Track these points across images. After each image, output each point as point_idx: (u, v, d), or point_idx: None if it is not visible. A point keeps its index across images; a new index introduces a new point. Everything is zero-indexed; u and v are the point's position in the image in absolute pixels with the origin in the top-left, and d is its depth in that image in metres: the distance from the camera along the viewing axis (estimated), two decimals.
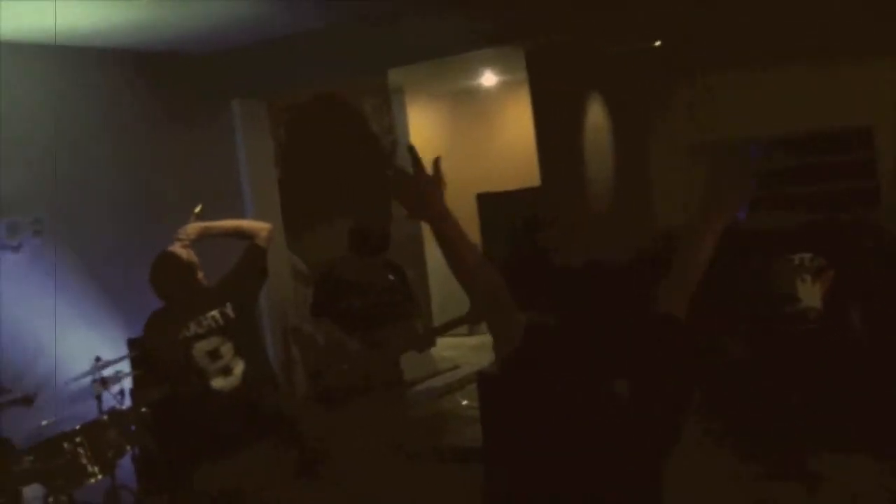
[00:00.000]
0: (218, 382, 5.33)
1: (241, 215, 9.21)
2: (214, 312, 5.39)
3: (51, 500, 5.87)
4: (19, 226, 7.45)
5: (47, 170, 7.63)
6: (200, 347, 5.33)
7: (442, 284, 11.79)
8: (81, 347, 6.46)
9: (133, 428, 6.46)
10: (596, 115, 10.64)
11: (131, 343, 7.68)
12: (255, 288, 5.71)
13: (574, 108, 10.15)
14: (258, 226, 5.87)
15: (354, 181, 10.17)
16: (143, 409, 6.64)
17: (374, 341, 6.45)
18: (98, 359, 6.60)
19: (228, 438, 5.31)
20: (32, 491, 6.04)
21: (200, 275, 5.62)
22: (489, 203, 11.32)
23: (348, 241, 6.57)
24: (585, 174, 10.00)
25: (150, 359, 5.76)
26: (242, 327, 5.44)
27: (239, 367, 5.33)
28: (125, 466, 6.77)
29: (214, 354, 5.33)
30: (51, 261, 7.57)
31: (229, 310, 5.42)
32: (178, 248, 5.64)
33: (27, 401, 6.33)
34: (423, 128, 12.80)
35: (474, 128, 13.13)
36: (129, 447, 6.44)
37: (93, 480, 6.12)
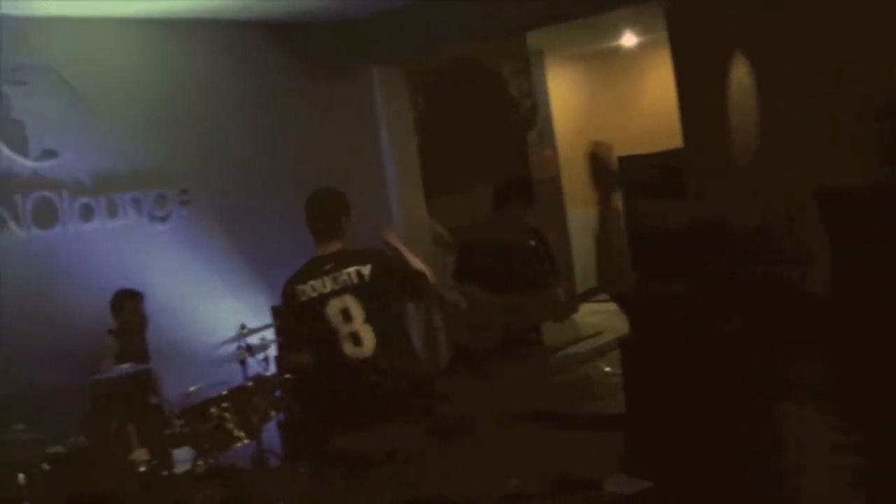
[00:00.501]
0: (349, 348, 5.28)
1: (382, 182, 9.28)
2: (351, 269, 5.38)
3: (199, 462, 6.03)
4: (167, 197, 7.67)
5: (193, 142, 7.84)
6: (334, 305, 5.23)
7: (584, 249, 11.67)
8: (227, 315, 6.61)
9: (278, 394, 6.59)
10: (739, 74, 10.32)
11: (275, 311, 7.83)
12: (399, 289, 5.59)
13: (716, 66, 9.86)
14: (428, 274, 5.74)
15: (494, 146, 10.12)
16: (288, 376, 6.76)
17: (517, 307, 6.38)
18: (243, 326, 6.74)
19: (364, 406, 5.35)
20: (182, 454, 6.22)
21: (347, 237, 5.56)
22: (630, 166, 11.10)
23: (492, 202, 6.43)
24: (729, 135, 9.72)
25: (286, 320, 5.77)
26: (377, 293, 5.39)
27: (370, 337, 5.30)
28: (270, 431, 6.92)
29: (346, 314, 5.25)
30: (197, 231, 7.79)
31: (367, 271, 5.40)
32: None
33: None
34: (563, 90, 12.65)
35: (614, 89, 12.91)
36: (273, 413, 6.56)
37: (239, 445, 6.27)
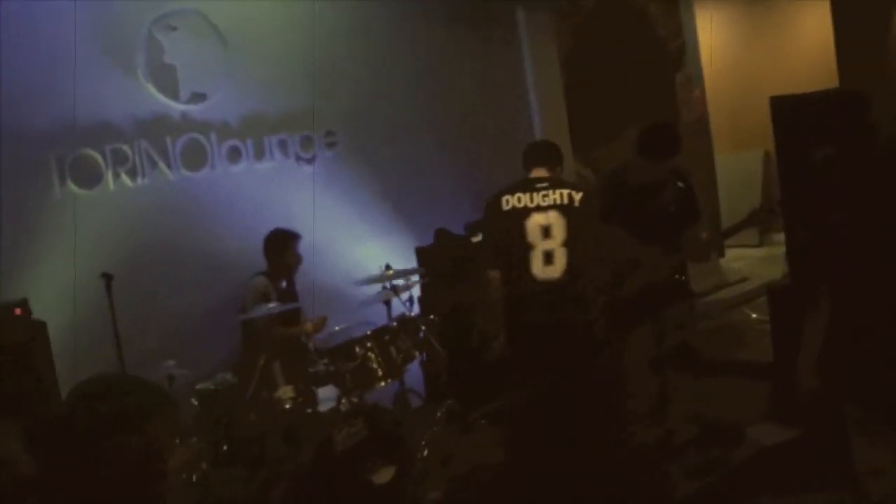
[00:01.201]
0: (538, 267, 5.37)
1: (528, 123, 9.19)
2: (564, 191, 5.41)
3: (343, 401, 6.09)
4: (313, 139, 7.74)
5: (340, 85, 7.87)
6: (536, 219, 5.38)
7: (731, 191, 11.38)
8: (372, 256, 6.64)
9: (422, 335, 6.59)
10: None
11: (420, 252, 7.86)
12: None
13: (875, 5, 9.44)
14: None
15: (641, 87, 9.91)
16: (432, 317, 6.77)
17: (662, 248, 6.23)
18: (388, 266, 6.75)
19: (536, 333, 5.38)
20: (326, 392, 6.29)
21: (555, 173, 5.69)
22: (783, 106, 10.71)
23: (637, 144, 6.30)
24: (888, 76, 9.30)
25: (485, 232, 5.79)
26: (583, 219, 5.37)
27: (562, 260, 5.32)
28: (414, 372, 6.96)
29: (547, 231, 5.37)
30: (343, 173, 7.84)
31: (579, 197, 5.41)
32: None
33: None
34: (715, 29, 12.25)
35: (762, 29, 12.46)
36: (417, 353, 6.57)
37: (382, 384, 6.29)
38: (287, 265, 6.82)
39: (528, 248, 5.40)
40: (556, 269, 5.37)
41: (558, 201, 5.41)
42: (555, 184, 5.54)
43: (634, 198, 6.16)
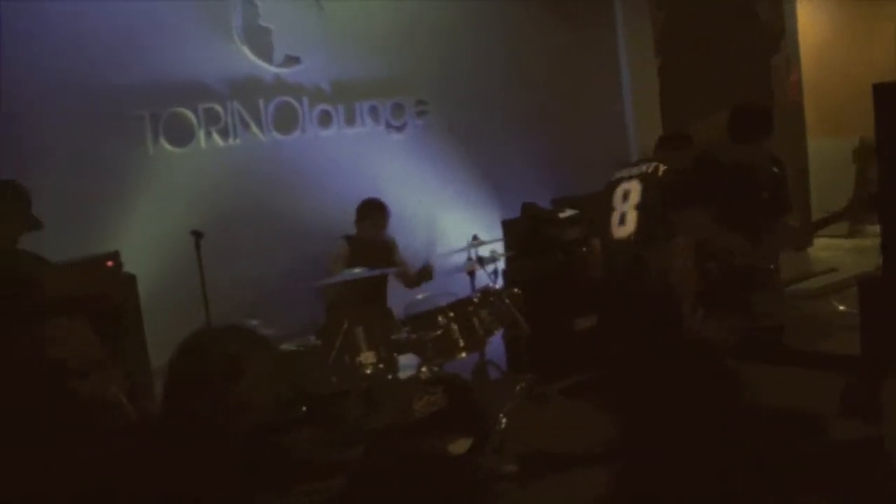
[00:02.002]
0: (615, 228, 5.51)
1: (619, 101, 9.09)
2: (652, 163, 5.56)
3: (423, 369, 6.08)
4: (404, 107, 7.73)
5: (432, 53, 7.86)
6: (622, 187, 5.56)
7: (823, 178, 11.15)
8: (458, 226, 6.62)
9: (505, 307, 6.55)
10: None
11: (506, 224, 7.82)
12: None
13: None
14: None
15: (736, 68, 9.74)
16: (516, 290, 6.73)
17: (749, 235, 6.14)
18: (475, 237, 6.71)
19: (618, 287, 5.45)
20: (407, 360, 6.30)
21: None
22: (887, 93, 10.42)
23: (729, 124, 6.21)
24: None
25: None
26: (659, 186, 5.43)
27: (633, 220, 5.40)
28: (495, 344, 6.93)
29: (626, 196, 5.53)
30: (432, 141, 7.83)
31: (662, 168, 5.50)
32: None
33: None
34: (814, 12, 12.00)
35: (868, 12, 12.16)
36: (499, 325, 6.54)
37: (463, 355, 6.26)
38: (372, 233, 6.83)
39: (610, 211, 5.59)
40: (627, 230, 5.50)
41: (643, 171, 5.56)
42: (649, 159, 5.66)
43: (726, 180, 6.06)
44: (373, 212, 6.84)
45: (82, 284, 4.82)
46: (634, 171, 5.59)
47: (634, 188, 5.51)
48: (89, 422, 4.39)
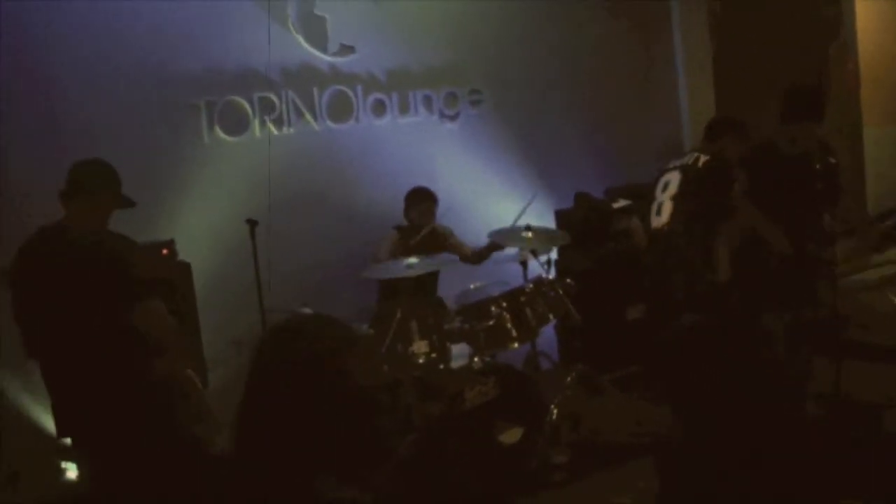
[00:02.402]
0: (653, 217, 5.66)
1: (674, 90, 9.03)
2: (694, 154, 5.66)
3: (475, 359, 6.09)
4: (458, 96, 7.73)
5: (487, 43, 7.85)
6: (665, 177, 5.67)
7: (879, 169, 11.00)
8: (511, 216, 6.59)
9: (557, 298, 6.53)
10: None
11: (559, 215, 7.81)
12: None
13: None
14: None
15: (793, 55, 9.64)
16: (569, 280, 6.70)
17: (800, 225, 6.07)
18: (528, 227, 6.68)
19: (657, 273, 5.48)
20: (459, 349, 6.30)
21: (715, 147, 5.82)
22: None
23: (781, 108, 6.10)
24: None
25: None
26: (697, 178, 5.43)
27: (668, 209, 5.41)
28: (547, 334, 6.92)
29: (665, 186, 5.64)
30: (486, 131, 7.83)
31: (703, 159, 5.58)
32: None
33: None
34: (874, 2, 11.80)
35: None
36: (552, 316, 6.52)
37: (515, 346, 6.24)
38: (420, 223, 6.83)
39: (651, 200, 5.75)
40: (661, 220, 5.63)
41: (685, 162, 5.66)
42: (693, 150, 5.62)
43: (785, 170, 5.99)
44: (421, 200, 6.84)
45: (155, 268, 4.91)
46: (678, 162, 5.68)
47: (674, 178, 5.61)
48: (166, 401, 4.48)
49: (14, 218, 5.48)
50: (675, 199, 5.52)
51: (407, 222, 6.87)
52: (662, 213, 5.56)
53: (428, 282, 6.77)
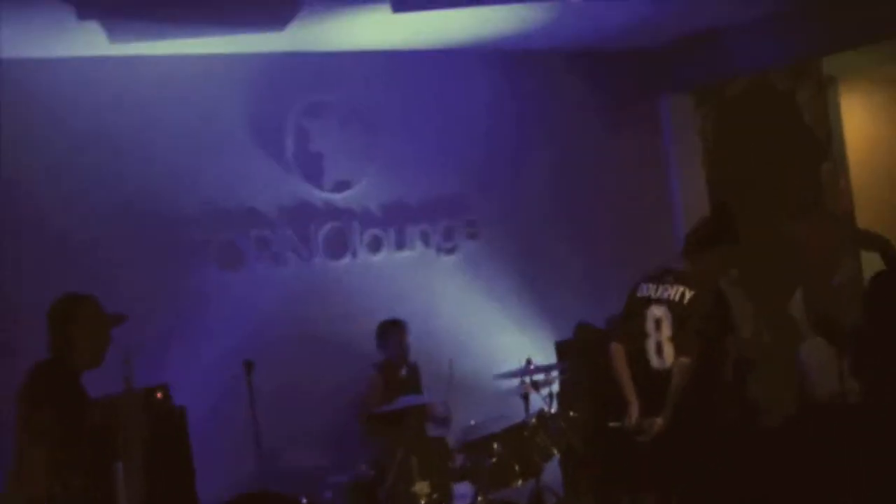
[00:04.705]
0: (653, 357, 5.39)
1: (669, 213, 9.03)
2: (679, 288, 5.41)
3: (480, 499, 5.95)
4: (455, 229, 7.69)
5: (482, 174, 7.86)
6: (651, 314, 5.43)
7: None
8: (511, 349, 6.53)
9: (560, 432, 6.42)
10: None
11: (560, 346, 7.71)
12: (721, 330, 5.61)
13: None
14: None
15: (786, 176, 9.68)
16: (572, 413, 6.60)
17: None
18: (529, 361, 6.61)
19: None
20: (462, 488, 6.17)
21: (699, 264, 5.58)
22: None
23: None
24: None
25: (624, 310, 5.74)
26: (687, 316, 5.33)
27: (670, 352, 5.29)
28: (551, 469, 6.78)
29: (658, 324, 5.40)
30: (484, 263, 7.78)
31: (689, 295, 5.37)
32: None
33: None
34: (858, 118, 11.88)
35: None
36: (555, 450, 6.40)
37: (519, 482, 6.15)
38: (397, 355, 6.74)
39: (645, 336, 5.47)
40: (665, 361, 5.39)
41: (671, 297, 5.44)
42: (678, 278, 5.49)
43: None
44: (393, 331, 6.76)
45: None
46: (662, 293, 5.47)
47: (665, 317, 5.41)
48: None
49: None
50: (674, 341, 5.40)
51: (384, 357, 6.77)
52: (665, 356, 5.43)
53: (420, 418, 6.65)
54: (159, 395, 5.84)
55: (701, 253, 5.59)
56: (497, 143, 7.96)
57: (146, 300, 6.29)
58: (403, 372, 6.78)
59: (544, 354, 7.18)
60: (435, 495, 5.92)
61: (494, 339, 7.39)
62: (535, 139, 8.17)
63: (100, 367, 4.38)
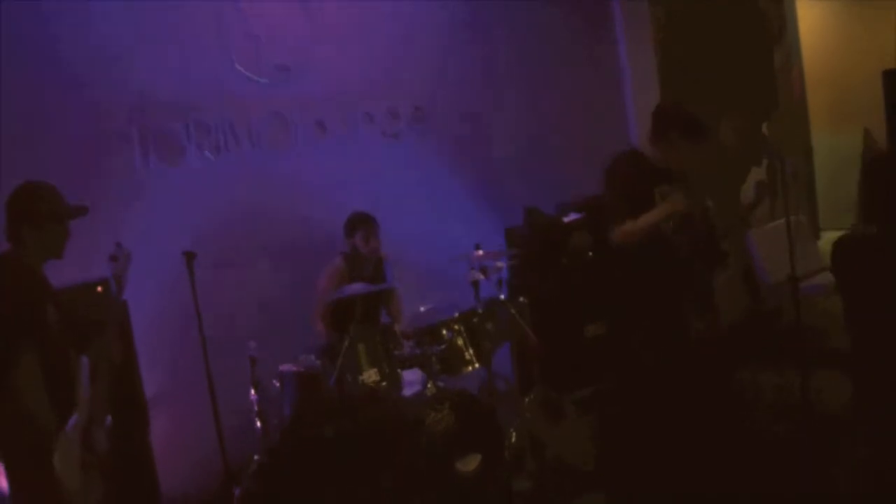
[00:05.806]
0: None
1: (621, 101, 8.92)
2: None
3: (429, 385, 5.87)
4: (400, 114, 7.51)
5: (429, 58, 7.67)
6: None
7: (829, 175, 10.96)
8: (460, 236, 6.41)
9: (511, 318, 6.34)
10: None
11: (509, 232, 7.61)
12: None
13: None
14: None
15: (740, 65, 9.58)
16: (522, 299, 6.52)
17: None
18: (477, 246, 6.48)
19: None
20: (411, 375, 6.10)
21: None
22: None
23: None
24: None
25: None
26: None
27: None
28: (502, 357, 6.73)
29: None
30: (430, 149, 7.63)
31: None
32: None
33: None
34: (811, 6, 11.75)
35: (861, 5, 11.89)
36: (506, 337, 6.33)
37: (470, 369, 6.07)
38: (363, 247, 6.58)
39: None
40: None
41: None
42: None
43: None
44: (361, 225, 6.59)
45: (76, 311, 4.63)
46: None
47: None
48: None
49: None
50: None
51: (350, 248, 6.61)
52: None
53: (374, 307, 6.54)
54: (99, 288, 5.68)
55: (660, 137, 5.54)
56: (443, 29, 7.77)
57: (83, 192, 6.07)
58: (368, 263, 6.61)
59: (495, 241, 7.08)
60: (384, 383, 5.83)
61: (444, 225, 7.28)
62: (484, 25, 8.02)
63: (61, 259, 4.29)
